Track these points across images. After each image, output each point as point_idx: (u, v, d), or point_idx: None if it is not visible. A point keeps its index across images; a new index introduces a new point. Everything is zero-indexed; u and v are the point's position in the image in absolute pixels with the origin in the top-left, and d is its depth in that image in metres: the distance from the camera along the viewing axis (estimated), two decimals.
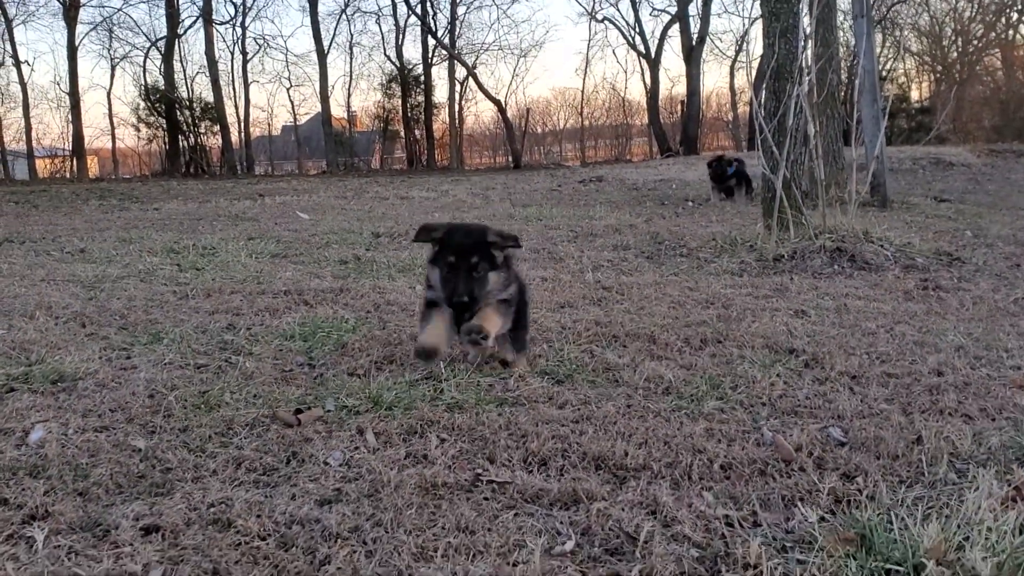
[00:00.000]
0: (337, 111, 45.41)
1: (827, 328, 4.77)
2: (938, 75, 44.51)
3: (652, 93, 43.59)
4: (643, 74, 46.63)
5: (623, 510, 2.54)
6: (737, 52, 45.56)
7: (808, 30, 8.09)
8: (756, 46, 57.32)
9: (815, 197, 7.88)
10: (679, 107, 44.14)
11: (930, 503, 2.53)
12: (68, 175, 40.05)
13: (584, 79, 63.23)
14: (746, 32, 44.66)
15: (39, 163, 42.79)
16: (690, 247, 7.96)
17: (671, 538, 2.38)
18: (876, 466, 2.86)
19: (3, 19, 40.06)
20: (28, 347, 4.42)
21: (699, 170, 21.66)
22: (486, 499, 2.64)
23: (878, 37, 37.52)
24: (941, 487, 2.69)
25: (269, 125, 51.94)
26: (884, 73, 29.18)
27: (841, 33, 23.71)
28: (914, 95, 43.38)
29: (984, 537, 2.26)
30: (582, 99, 51.07)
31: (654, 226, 9.73)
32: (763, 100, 8.07)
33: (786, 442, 3.03)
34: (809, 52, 8.00)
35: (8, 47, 40.90)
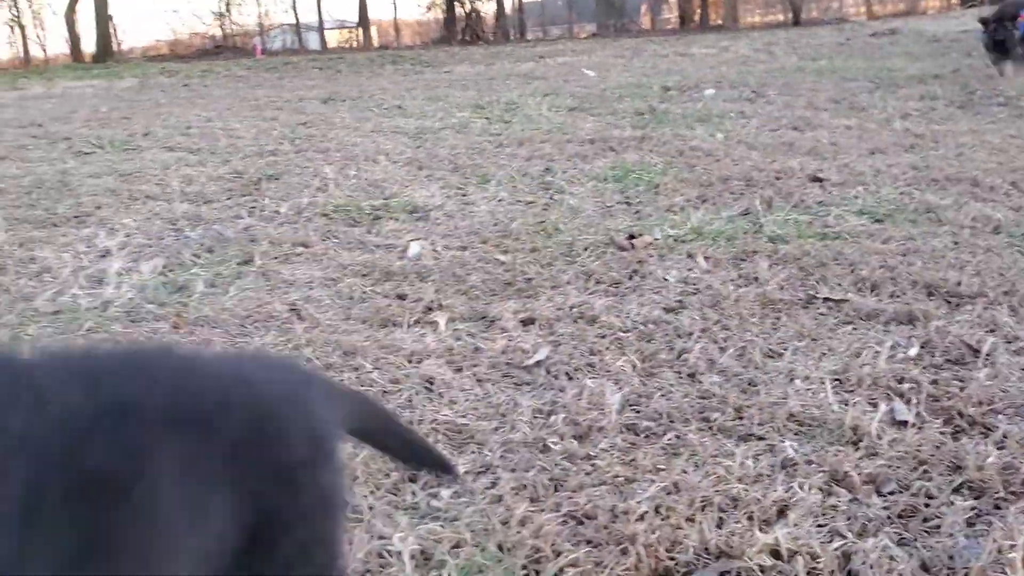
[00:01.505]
0: None
1: None
2: None
3: None
4: None
5: (962, 328, 2.63)
6: None
7: None
8: None
9: None
10: None
11: None
12: (355, 45, 42.74)
13: None
14: None
15: (328, 35, 45.94)
16: (1007, 95, 7.37)
17: (1015, 352, 2.46)
18: None
19: None
20: (380, 184, 5.05)
21: None
22: (822, 314, 2.83)
23: None
24: None
25: None
26: None
27: None
28: None
29: None
30: None
31: (963, 76, 9.02)
32: None
33: None
34: None
35: None
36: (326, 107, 9.28)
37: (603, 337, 2.67)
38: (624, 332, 2.69)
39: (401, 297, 3.10)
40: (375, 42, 46.93)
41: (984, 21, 8.56)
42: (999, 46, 8.30)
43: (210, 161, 6.04)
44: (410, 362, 2.54)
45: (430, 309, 2.97)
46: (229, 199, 4.83)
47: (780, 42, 18.10)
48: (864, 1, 48.49)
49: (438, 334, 2.76)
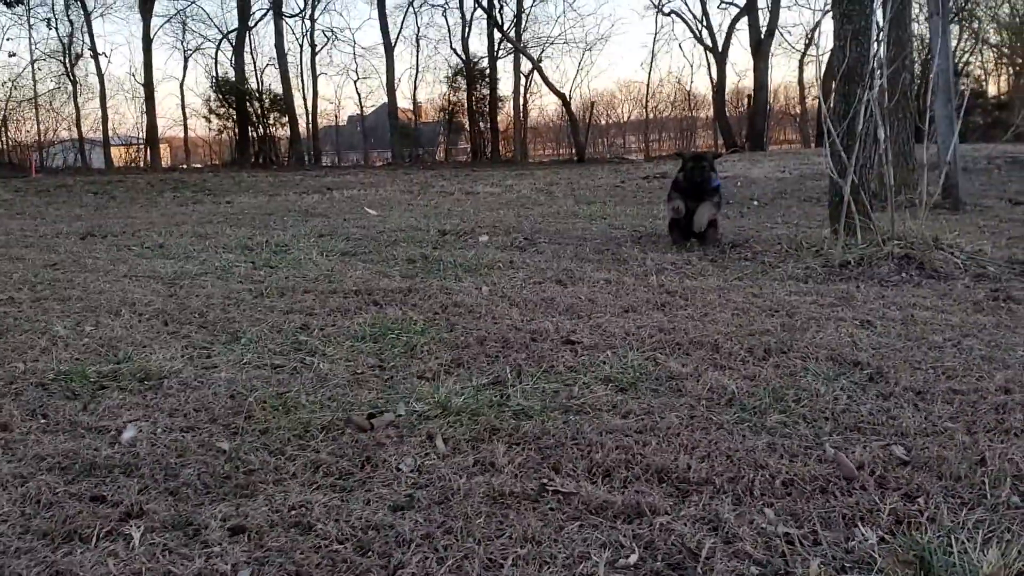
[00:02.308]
0: (403, 103, 45.90)
1: (893, 340, 4.76)
2: (1017, 68, 43.17)
3: (718, 87, 43.15)
4: (709, 68, 46.28)
5: (685, 525, 2.61)
6: (807, 46, 44.78)
7: (881, 34, 7.98)
8: (826, 40, 56.13)
9: (883, 201, 7.79)
10: (746, 101, 43.61)
11: (991, 527, 2.55)
12: (142, 164, 41.31)
13: (649, 72, 63.26)
14: (817, 25, 43.86)
15: (115, 152, 44.22)
16: (755, 250, 7.94)
17: (732, 555, 2.45)
18: (938, 487, 2.88)
19: (82, 12, 41.34)
20: (116, 344, 4.65)
21: (765, 167, 21.45)
22: (552, 510, 2.74)
23: (955, 29, 36.53)
24: (1003, 510, 2.70)
25: (336, 116, 52.77)
26: (960, 68, 28.40)
27: (916, 26, 23.16)
28: (991, 89, 42.15)
29: None
30: (647, 92, 50.67)
31: (718, 227, 9.70)
32: (832, 103, 7.99)
33: (848, 460, 3.07)
34: (881, 54, 7.91)
35: (87, 39, 42.34)
36: (82, 245, 8.69)
37: (316, 550, 2.44)
38: (340, 543, 2.48)
39: (97, 500, 2.75)
40: (167, 160, 45.73)
41: (682, 155, 8.51)
42: (695, 187, 8.15)
43: None
44: None
45: (128, 516, 2.64)
46: None
47: (562, 182, 19.04)
48: (642, 140, 52.48)
49: (129, 552, 2.43)
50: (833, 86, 7.94)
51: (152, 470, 2.97)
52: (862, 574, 2.32)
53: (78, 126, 42.71)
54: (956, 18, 35.99)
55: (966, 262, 6.86)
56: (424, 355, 4.51)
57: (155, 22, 41.70)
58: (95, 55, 42.62)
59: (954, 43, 37.34)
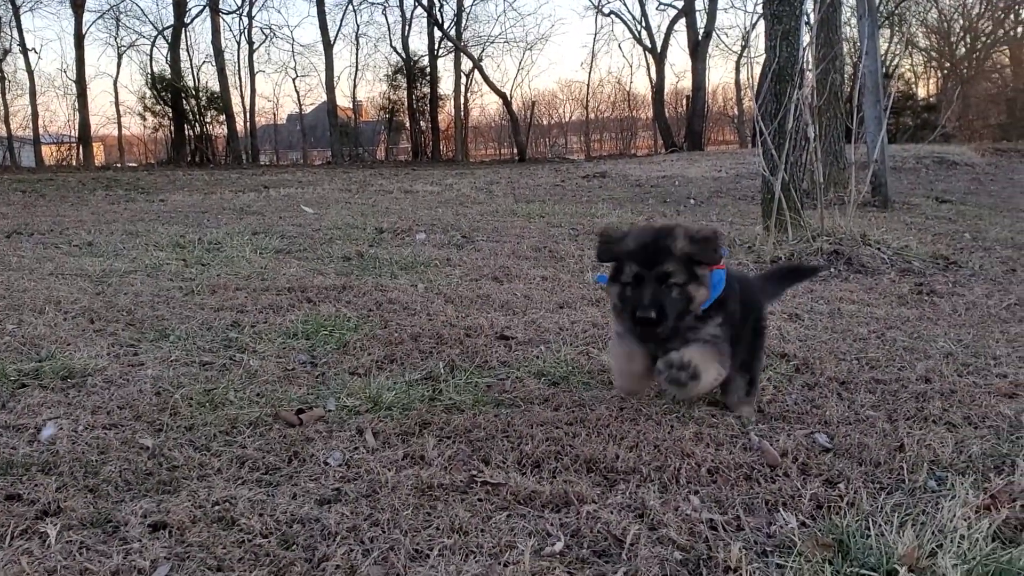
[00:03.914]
0: (343, 101, 45.52)
1: (819, 333, 4.86)
2: (945, 72, 44.49)
3: (657, 87, 43.65)
4: (648, 69, 46.94)
5: (612, 513, 2.63)
6: (743, 48, 45.53)
7: (811, 34, 8.15)
8: (761, 42, 57.20)
9: (814, 198, 7.96)
10: (684, 102, 44.22)
11: (908, 510, 2.63)
12: (74, 163, 40.25)
13: (589, 73, 63.79)
14: (752, 27, 44.66)
15: (45, 150, 43.04)
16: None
17: (656, 541, 2.48)
18: (858, 472, 2.95)
19: (10, 6, 40.21)
20: (38, 342, 4.53)
21: (702, 167, 21.76)
22: (480, 500, 2.74)
23: (885, 32, 37.51)
24: (920, 494, 2.78)
25: (275, 114, 52.17)
26: (890, 70, 29.15)
27: (848, 29, 23.70)
28: (920, 92, 43.34)
29: (956, 544, 2.36)
30: (587, 93, 51.18)
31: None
32: (763, 102, 8.13)
33: (772, 448, 3.13)
34: (811, 55, 8.08)
35: (15, 34, 41.11)
36: (7, 243, 8.44)
37: (239, 545, 2.41)
38: (264, 537, 2.45)
39: (12, 498, 2.67)
40: (101, 159, 44.57)
41: (608, 241, 3.49)
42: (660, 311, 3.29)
43: None
44: None
45: (44, 514, 2.57)
46: None
47: (502, 181, 19.05)
48: (583, 140, 52.83)
49: (45, 549, 2.37)
50: (764, 86, 8.08)
51: (72, 467, 2.90)
52: (782, 557, 2.37)
53: (7, 123, 41.49)
54: (886, 21, 36.93)
55: (892, 257, 7.05)
56: (357, 351, 4.47)
57: (87, 17, 40.81)
58: (24, 51, 41.51)
59: (884, 46, 38.35)
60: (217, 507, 2.63)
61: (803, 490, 2.79)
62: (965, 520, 2.48)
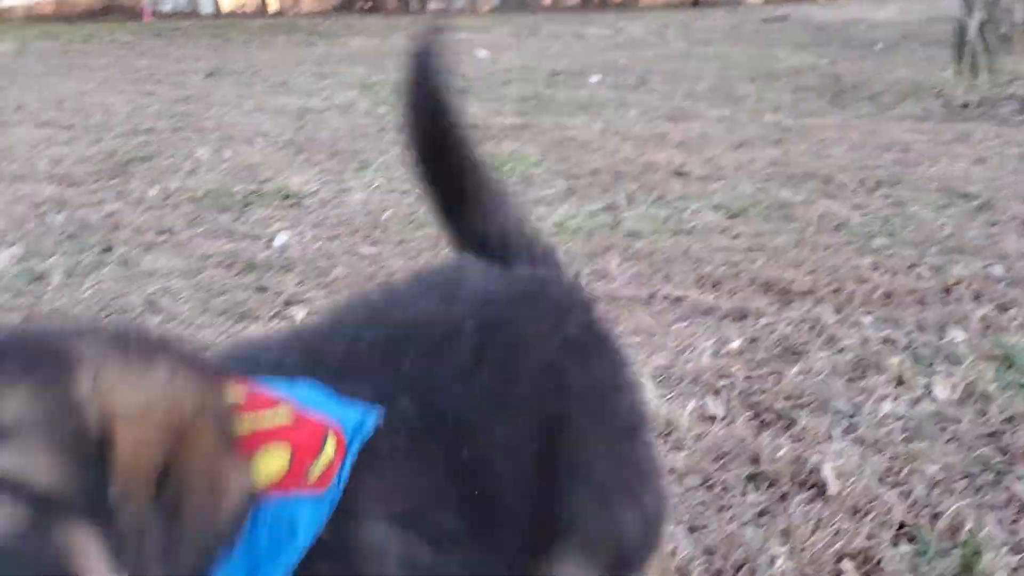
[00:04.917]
0: None
1: (1006, 175, 4.73)
2: None
3: None
4: None
5: (788, 326, 2.84)
6: None
7: None
8: None
9: (1013, 43, 7.45)
10: None
11: None
12: (251, 10, 41.56)
13: None
14: None
15: None
16: (874, 91, 7.76)
17: (830, 350, 2.68)
18: None
19: None
20: (254, 168, 5.04)
21: (890, 9, 20.24)
22: (660, 311, 3.00)
23: None
24: None
25: None
26: None
27: None
28: None
29: None
30: None
31: (839, 68, 9.43)
32: None
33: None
34: None
35: None
36: (209, 81, 9.10)
37: None
38: None
39: (262, 290, 3.15)
40: (273, 7, 45.92)
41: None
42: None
43: (81, 139, 5.90)
44: None
45: (289, 303, 3.03)
46: (96, 182, 4.75)
47: (675, 24, 18.47)
48: None
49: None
50: None
51: (306, 268, 3.35)
52: (949, 366, 2.52)
53: None
54: None
55: None
56: (539, 184, 4.73)
57: None
58: None
59: None
60: None
61: (974, 313, 2.89)
62: None
